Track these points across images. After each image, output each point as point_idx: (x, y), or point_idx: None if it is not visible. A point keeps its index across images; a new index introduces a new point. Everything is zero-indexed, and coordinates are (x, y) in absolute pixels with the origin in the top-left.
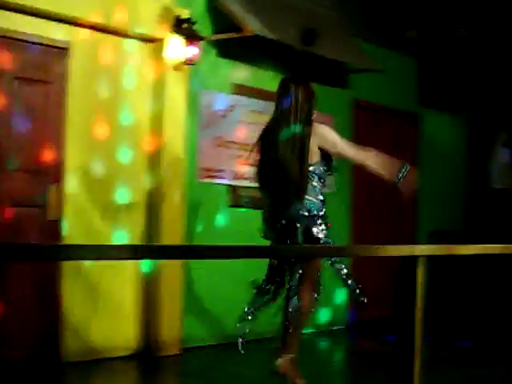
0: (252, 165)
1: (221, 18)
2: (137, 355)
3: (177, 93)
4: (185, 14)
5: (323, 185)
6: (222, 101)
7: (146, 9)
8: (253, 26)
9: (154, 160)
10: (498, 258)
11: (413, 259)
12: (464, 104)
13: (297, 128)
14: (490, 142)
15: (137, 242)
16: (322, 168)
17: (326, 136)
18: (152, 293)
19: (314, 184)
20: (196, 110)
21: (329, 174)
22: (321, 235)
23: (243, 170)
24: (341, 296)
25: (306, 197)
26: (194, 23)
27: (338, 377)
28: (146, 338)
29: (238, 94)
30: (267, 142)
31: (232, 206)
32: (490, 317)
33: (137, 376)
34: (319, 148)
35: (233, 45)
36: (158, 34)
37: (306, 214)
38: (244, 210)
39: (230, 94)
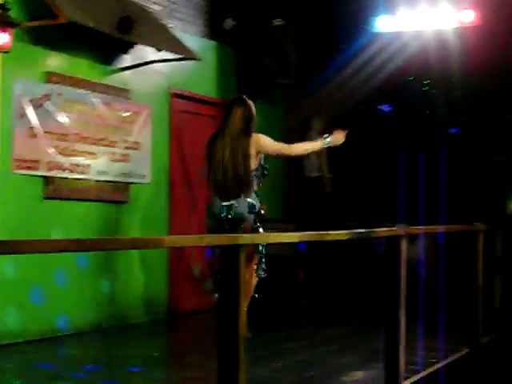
0: (204, 169)
1: (36, 5)
2: None
3: None
4: None
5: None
6: (36, 89)
7: None
8: (68, 12)
9: None
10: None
11: (234, 248)
12: (280, 93)
13: (239, 139)
14: (304, 130)
15: None
16: (258, 172)
17: (266, 143)
18: None
19: (254, 188)
20: (9, 100)
21: (264, 177)
22: (260, 229)
23: (61, 160)
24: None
25: (250, 197)
26: (8, 9)
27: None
28: None
29: (53, 82)
30: (215, 149)
31: (48, 198)
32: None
33: None
34: (257, 154)
35: (48, 32)
36: None
37: (251, 211)
38: (60, 201)
39: (45, 83)
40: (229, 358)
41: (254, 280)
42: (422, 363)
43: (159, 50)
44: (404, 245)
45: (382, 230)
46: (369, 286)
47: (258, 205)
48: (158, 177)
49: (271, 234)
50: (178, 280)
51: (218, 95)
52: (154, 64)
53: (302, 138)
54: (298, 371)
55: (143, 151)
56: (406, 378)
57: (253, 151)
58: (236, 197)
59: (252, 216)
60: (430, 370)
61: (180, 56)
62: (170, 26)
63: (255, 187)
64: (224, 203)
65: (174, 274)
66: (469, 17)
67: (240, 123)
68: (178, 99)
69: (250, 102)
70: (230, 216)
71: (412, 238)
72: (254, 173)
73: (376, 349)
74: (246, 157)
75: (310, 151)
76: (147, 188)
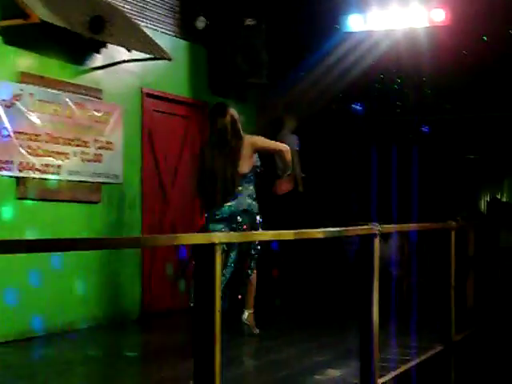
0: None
1: (7, 4)
2: None
3: None
4: None
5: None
6: (7, 90)
7: None
8: (40, 12)
9: None
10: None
11: (210, 247)
12: (252, 93)
13: (228, 144)
14: (277, 129)
15: None
16: (254, 173)
17: (262, 141)
18: None
19: (251, 188)
20: None
21: (258, 175)
22: (260, 228)
23: (32, 161)
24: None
25: (250, 199)
26: None
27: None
28: None
29: (24, 82)
30: (207, 155)
31: (20, 199)
32: None
33: None
34: (255, 152)
35: (19, 32)
36: None
37: (251, 211)
38: (32, 202)
39: (16, 83)
40: (205, 358)
41: (255, 277)
42: (396, 361)
43: (130, 49)
44: (377, 243)
45: (356, 229)
46: (342, 285)
47: (256, 204)
48: (131, 176)
49: (246, 232)
50: (151, 280)
51: (190, 95)
52: (126, 64)
53: (274, 137)
54: (272, 370)
55: (115, 151)
56: (381, 376)
57: (247, 152)
58: (233, 197)
59: (246, 214)
60: (404, 367)
61: (152, 56)
62: (141, 25)
63: (251, 187)
64: (225, 204)
65: (147, 274)
66: (439, 16)
67: (226, 130)
68: (150, 99)
69: (230, 108)
70: (233, 209)
71: (384, 237)
72: (250, 174)
73: (350, 347)
74: (236, 162)
75: (284, 159)
76: (120, 188)
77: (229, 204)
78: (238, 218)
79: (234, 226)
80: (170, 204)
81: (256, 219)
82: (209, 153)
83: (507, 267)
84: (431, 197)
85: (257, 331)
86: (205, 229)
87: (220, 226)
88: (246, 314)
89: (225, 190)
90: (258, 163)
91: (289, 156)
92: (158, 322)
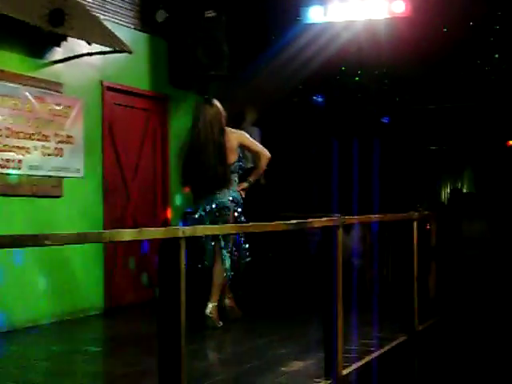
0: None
1: None
2: None
3: None
4: None
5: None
6: None
7: None
8: None
9: None
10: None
11: (175, 241)
12: (213, 85)
13: (214, 138)
14: (239, 122)
15: None
16: (238, 165)
17: (248, 139)
18: None
19: (235, 179)
20: None
21: (241, 169)
22: (242, 218)
23: None
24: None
25: (232, 188)
26: None
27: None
28: None
29: None
30: (193, 148)
31: None
32: None
33: None
34: (239, 147)
35: None
36: None
37: (233, 202)
38: None
39: None
40: (170, 352)
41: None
42: (359, 352)
43: (90, 43)
44: (340, 234)
45: (319, 220)
46: (305, 277)
47: (239, 196)
48: (92, 170)
49: (211, 226)
50: (114, 274)
51: (151, 88)
52: (87, 57)
53: (236, 128)
54: (237, 363)
55: (76, 145)
56: (345, 367)
57: (232, 145)
58: (218, 189)
59: (233, 206)
60: (369, 357)
61: (112, 49)
62: (102, 18)
63: (236, 179)
64: (208, 196)
65: (109, 268)
66: (400, 8)
67: (212, 123)
68: (111, 92)
69: (215, 101)
70: (213, 206)
71: (346, 229)
72: (233, 166)
73: (314, 339)
74: (223, 153)
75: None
76: (81, 182)
77: (216, 195)
78: (223, 210)
79: (218, 216)
80: (132, 198)
81: (237, 211)
82: (195, 144)
83: (469, 257)
84: (392, 188)
85: (220, 324)
86: (191, 219)
87: (207, 218)
88: (209, 307)
89: (214, 182)
90: (244, 158)
91: (266, 163)
92: (121, 316)
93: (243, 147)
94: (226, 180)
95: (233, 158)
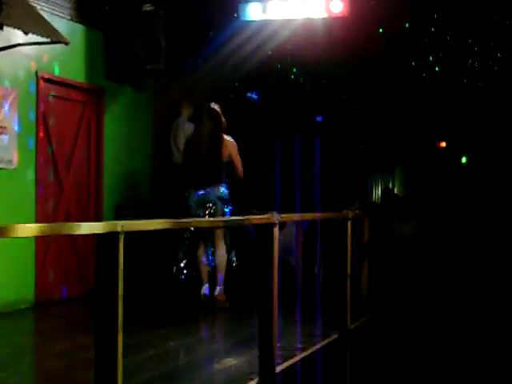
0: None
1: None
2: None
3: None
4: None
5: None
6: None
7: None
8: None
9: None
10: None
11: (114, 235)
12: (149, 79)
13: (213, 140)
14: (174, 116)
15: None
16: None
17: (235, 150)
18: None
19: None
20: None
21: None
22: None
23: None
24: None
25: (222, 186)
26: None
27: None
28: None
29: None
30: (193, 146)
31: None
32: None
33: None
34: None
35: None
36: None
37: (223, 198)
38: None
39: None
40: (106, 346)
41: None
42: (293, 349)
43: (26, 32)
44: (277, 232)
45: (256, 218)
46: (244, 272)
47: (227, 192)
48: (25, 162)
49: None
50: (45, 267)
51: (87, 80)
52: (22, 47)
53: (170, 124)
54: (170, 359)
55: (10, 136)
56: (278, 364)
57: (227, 149)
58: (211, 184)
59: (220, 201)
60: (301, 355)
61: (48, 39)
62: (38, 8)
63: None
64: (200, 190)
65: (41, 262)
66: (337, 7)
67: (212, 127)
68: (46, 83)
69: (217, 109)
70: (204, 199)
71: (280, 227)
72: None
73: (249, 335)
74: (219, 153)
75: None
76: (13, 174)
77: (209, 188)
78: (211, 203)
79: (208, 209)
80: (65, 191)
81: (225, 207)
82: (197, 144)
83: (401, 257)
84: (324, 186)
85: (227, 305)
86: (186, 207)
87: (199, 208)
88: (217, 290)
89: (210, 175)
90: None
91: (239, 179)
92: (52, 309)
93: (229, 155)
94: (219, 177)
95: (225, 157)
